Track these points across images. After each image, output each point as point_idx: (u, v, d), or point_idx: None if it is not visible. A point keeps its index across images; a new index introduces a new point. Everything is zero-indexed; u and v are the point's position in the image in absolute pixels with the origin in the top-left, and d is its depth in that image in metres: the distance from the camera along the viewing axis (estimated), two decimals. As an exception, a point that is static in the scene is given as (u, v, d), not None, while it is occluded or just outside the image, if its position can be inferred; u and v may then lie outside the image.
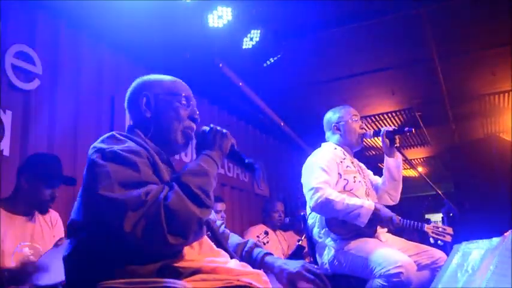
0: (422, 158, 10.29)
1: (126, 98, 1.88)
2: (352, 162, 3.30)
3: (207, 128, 1.75)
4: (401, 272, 2.61)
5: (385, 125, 7.59)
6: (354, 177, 3.21)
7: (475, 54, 5.64)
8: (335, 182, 3.11)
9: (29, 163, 2.85)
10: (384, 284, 2.66)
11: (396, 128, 3.25)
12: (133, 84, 1.89)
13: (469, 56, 5.67)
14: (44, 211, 2.88)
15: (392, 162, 3.27)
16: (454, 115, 7.58)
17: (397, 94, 6.63)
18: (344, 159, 3.24)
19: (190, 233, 1.44)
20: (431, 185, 3.43)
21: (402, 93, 6.67)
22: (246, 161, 1.79)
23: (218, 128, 1.74)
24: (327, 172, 3.07)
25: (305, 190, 3.13)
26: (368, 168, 3.55)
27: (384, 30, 4.88)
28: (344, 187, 3.14)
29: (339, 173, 3.16)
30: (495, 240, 1.54)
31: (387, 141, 3.25)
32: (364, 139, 3.38)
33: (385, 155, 3.32)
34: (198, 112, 1.85)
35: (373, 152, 9.16)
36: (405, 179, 3.44)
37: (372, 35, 4.98)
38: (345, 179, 3.16)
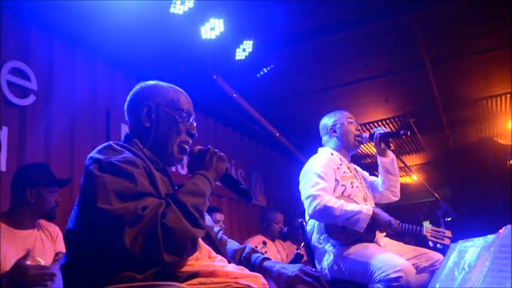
0: (418, 164, 10.33)
1: (127, 102, 1.88)
2: (349, 168, 3.32)
3: (203, 148, 1.77)
4: (400, 276, 2.60)
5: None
6: (352, 182, 3.21)
7: (466, 59, 5.68)
8: (333, 188, 3.12)
9: (29, 175, 2.86)
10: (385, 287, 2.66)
11: (391, 131, 3.27)
12: (136, 89, 1.88)
13: (461, 61, 5.71)
14: (52, 217, 2.91)
15: (387, 160, 3.32)
16: (448, 120, 7.62)
17: (390, 101, 6.68)
18: (341, 164, 3.25)
19: (185, 251, 1.46)
20: (429, 190, 3.44)
21: (396, 100, 6.71)
22: (241, 186, 1.82)
23: (216, 150, 1.76)
24: (324, 179, 3.08)
25: (303, 197, 3.13)
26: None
27: (376, 37, 4.93)
28: (342, 193, 3.14)
29: (336, 179, 3.16)
30: (490, 237, 1.55)
31: (382, 145, 3.29)
32: (360, 143, 3.40)
33: (378, 155, 3.36)
34: (195, 127, 1.87)
35: (369, 160, 9.18)
36: (402, 186, 3.46)
37: (363, 43, 5.03)
38: (342, 185, 3.17)
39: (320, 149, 3.42)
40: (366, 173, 3.55)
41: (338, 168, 3.21)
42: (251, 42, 4.38)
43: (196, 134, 1.85)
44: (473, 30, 4.92)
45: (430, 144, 8.84)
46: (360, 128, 3.42)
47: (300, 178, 3.24)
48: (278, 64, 4.83)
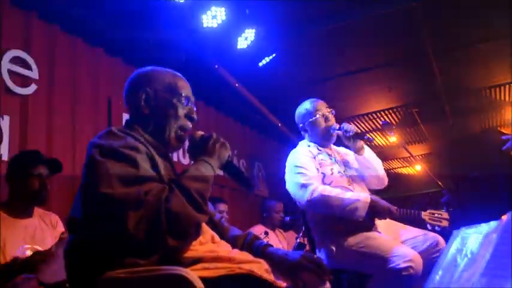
0: (421, 154, 10.28)
1: (125, 90, 1.87)
2: (330, 154, 3.26)
3: (205, 134, 1.75)
4: (410, 266, 2.59)
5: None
6: (331, 169, 3.14)
7: (470, 49, 5.64)
8: (317, 176, 3.09)
9: (10, 164, 2.90)
10: (393, 278, 2.65)
11: (358, 132, 3.16)
12: (133, 76, 1.87)
13: (464, 50, 5.67)
14: (40, 202, 2.89)
15: (359, 158, 3.22)
16: (451, 110, 7.57)
17: (393, 91, 6.64)
18: (318, 153, 3.21)
19: (189, 236, 1.46)
20: (433, 178, 3.43)
21: (398, 89, 6.67)
22: (244, 175, 1.81)
23: (219, 136, 1.75)
24: (305, 168, 3.05)
25: (293, 191, 3.10)
26: None
27: (378, 26, 4.90)
28: (322, 180, 3.10)
29: (316, 168, 3.13)
30: (493, 223, 1.55)
31: (359, 142, 3.20)
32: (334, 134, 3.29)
33: (352, 150, 3.27)
34: (195, 111, 1.86)
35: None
36: (404, 177, 3.43)
37: (366, 32, 4.99)
38: (321, 173, 3.13)
39: (300, 143, 3.40)
40: (346, 152, 3.45)
41: (315, 157, 3.17)
42: (253, 30, 4.36)
43: (196, 118, 1.83)
44: (476, 19, 4.88)
45: (432, 135, 8.78)
46: (331, 117, 3.29)
47: (286, 177, 3.21)
48: (280, 53, 4.81)
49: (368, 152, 3.25)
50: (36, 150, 3.03)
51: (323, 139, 3.30)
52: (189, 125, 1.82)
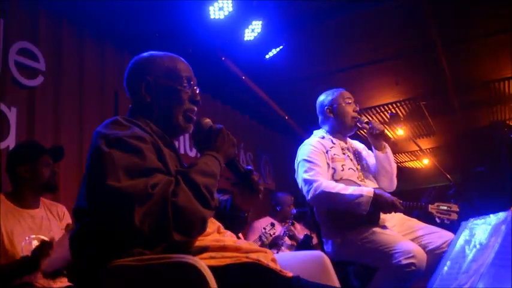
0: (429, 148, 10.24)
1: (125, 79, 1.84)
2: (343, 149, 3.21)
3: (214, 125, 1.72)
4: (413, 263, 2.56)
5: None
6: (343, 165, 3.09)
7: (478, 41, 5.61)
8: (326, 171, 3.06)
9: (18, 154, 2.86)
10: (396, 273, 2.63)
11: (385, 133, 3.10)
12: (132, 64, 1.84)
13: (473, 43, 5.64)
14: (53, 189, 2.91)
15: (381, 155, 3.16)
16: (459, 104, 7.53)
17: (401, 84, 6.61)
18: (332, 147, 3.15)
19: (195, 231, 1.44)
20: (441, 171, 3.39)
21: (406, 83, 6.64)
22: (250, 176, 1.81)
23: (228, 132, 1.72)
24: (314, 163, 3.01)
25: (300, 185, 3.08)
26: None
27: (386, 19, 4.87)
28: (332, 176, 3.06)
29: (327, 163, 3.08)
30: (501, 215, 1.54)
31: (381, 140, 3.16)
32: (357, 126, 3.23)
33: (373, 148, 3.21)
34: (198, 92, 1.81)
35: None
36: (411, 171, 3.38)
37: (373, 24, 4.97)
38: (332, 168, 3.09)
39: (315, 132, 3.34)
40: (361, 147, 3.40)
41: (327, 151, 3.11)
42: (260, 22, 4.33)
43: (200, 100, 1.80)
44: (485, 11, 4.85)
45: (440, 128, 8.75)
46: (358, 109, 3.25)
47: (295, 168, 3.18)
48: (287, 45, 4.78)
49: (389, 153, 3.20)
50: (34, 141, 3.03)
51: (347, 126, 3.21)
52: (194, 108, 1.79)
